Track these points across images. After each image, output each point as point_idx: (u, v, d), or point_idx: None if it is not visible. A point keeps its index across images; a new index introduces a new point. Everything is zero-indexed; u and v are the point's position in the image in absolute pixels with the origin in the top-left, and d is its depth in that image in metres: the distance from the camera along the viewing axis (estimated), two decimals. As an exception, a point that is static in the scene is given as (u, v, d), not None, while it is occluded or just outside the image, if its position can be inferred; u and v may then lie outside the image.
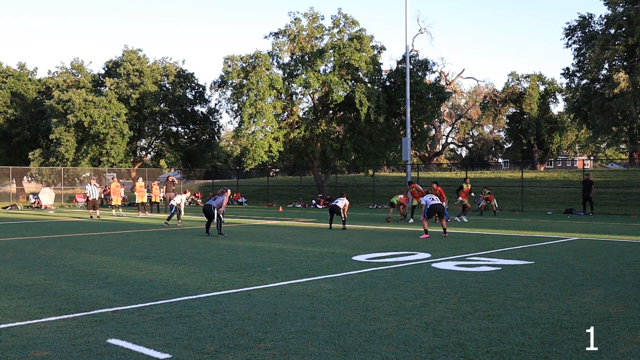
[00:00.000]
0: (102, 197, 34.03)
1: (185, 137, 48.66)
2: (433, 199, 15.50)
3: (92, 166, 41.80)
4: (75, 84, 44.09)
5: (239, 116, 36.54)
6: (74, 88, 42.58)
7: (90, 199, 25.32)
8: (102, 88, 44.42)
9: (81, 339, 5.40)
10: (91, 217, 24.87)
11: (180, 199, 20.75)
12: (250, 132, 35.42)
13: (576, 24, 40.55)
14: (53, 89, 43.99)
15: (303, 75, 35.39)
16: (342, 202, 17.87)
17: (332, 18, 36.78)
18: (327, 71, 36.46)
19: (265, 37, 46.16)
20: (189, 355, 4.91)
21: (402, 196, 21.97)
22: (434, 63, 39.91)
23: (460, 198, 22.36)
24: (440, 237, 14.78)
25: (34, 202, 36.55)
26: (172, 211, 20.74)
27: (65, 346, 5.19)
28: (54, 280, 8.64)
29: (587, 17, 40.13)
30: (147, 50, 74.35)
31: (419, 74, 37.30)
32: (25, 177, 50.09)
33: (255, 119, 35.01)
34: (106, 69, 46.58)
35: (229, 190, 16.64)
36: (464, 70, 73.79)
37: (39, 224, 21.64)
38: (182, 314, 6.39)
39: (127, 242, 14.21)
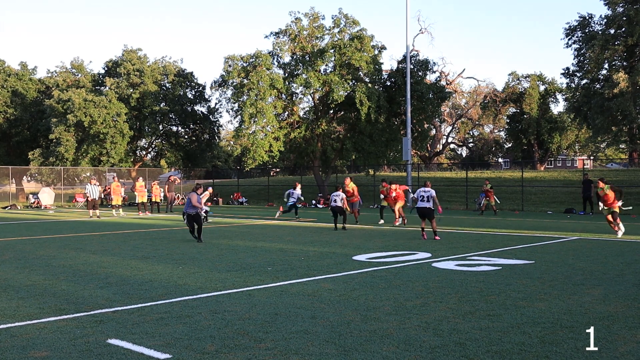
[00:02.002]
0: (102, 197, 34.02)
1: (186, 136, 48.64)
2: (422, 198, 14.52)
3: (92, 166, 41.80)
4: (75, 83, 44.09)
5: (239, 116, 36.54)
6: (74, 88, 42.57)
7: (90, 198, 25.33)
8: (102, 88, 44.41)
9: (81, 339, 5.40)
10: (91, 216, 24.87)
11: (297, 195, 22.28)
12: (250, 132, 35.42)
13: (576, 24, 40.56)
14: (53, 89, 43.98)
15: (304, 75, 35.39)
16: (339, 197, 17.60)
17: (332, 18, 36.80)
18: (328, 71, 36.47)
19: (266, 36, 46.16)
20: (189, 355, 4.91)
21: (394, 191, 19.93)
22: (434, 63, 39.90)
23: (602, 206, 15.81)
24: (441, 236, 14.72)
25: (34, 202, 36.54)
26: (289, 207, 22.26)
27: (65, 346, 5.18)
28: (54, 281, 8.63)
29: (587, 17, 40.14)
30: (147, 49, 74.31)
31: (420, 73, 37.30)
32: (25, 177, 50.08)
33: (256, 119, 35.01)
34: (106, 69, 46.58)
35: (200, 189, 15.04)
36: (464, 70, 73.86)
37: (39, 223, 21.64)
38: (183, 314, 6.39)
39: (127, 242, 14.20)
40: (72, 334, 5.58)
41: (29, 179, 51.90)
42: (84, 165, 41.15)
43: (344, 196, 17.90)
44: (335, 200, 17.75)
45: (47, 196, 36.84)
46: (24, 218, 25.40)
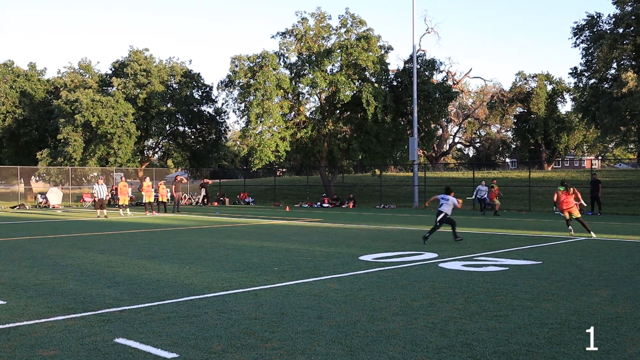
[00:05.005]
0: (110, 196, 34.23)
1: (192, 137, 48.79)
2: None
3: (99, 166, 42.00)
4: (82, 84, 44.31)
5: (246, 116, 36.61)
6: (82, 88, 42.79)
7: (97, 198, 25.49)
8: (110, 88, 44.63)
9: (89, 338, 5.43)
10: (98, 216, 25.00)
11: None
12: (257, 132, 35.47)
13: (584, 23, 40.31)
14: (61, 89, 44.24)
15: (310, 75, 35.39)
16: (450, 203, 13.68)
17: (339, 18, 36.78)
18: (334, 71, 36.45)
19: (273, 36, 46.05)
20: (196, 355, 4.92)
21: None
22: (441, 63, 39.78)
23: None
24: (447, 237, 14.66)
25: (42, 202, 36.76)
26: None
27: (72, 345, 5.21)
28: (62, 280, 8.68)
29: (595, 17, 39.89)
30: (154, 50, 74.90)
31: (426, 73, 37.21)
32: (33, 177, 50.39)
33: (262, 119, 35.06)
34: (113, 69, 46.80)
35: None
36: (471, 69, 73.88)
37: (47, 223, 21.76)
38: (189, 314, 6.41)
39: (134, 242, 14.26)
40: (79, 333, 5.61)
41: (37, 178, 52.21)
42: (92, 165, 41.35)
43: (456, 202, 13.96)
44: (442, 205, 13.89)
45: (55, 196, 37.04)
46: (32, 218, 25.55)
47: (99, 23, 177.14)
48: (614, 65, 39.03)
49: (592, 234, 14.87)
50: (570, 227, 15.34)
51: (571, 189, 15.39)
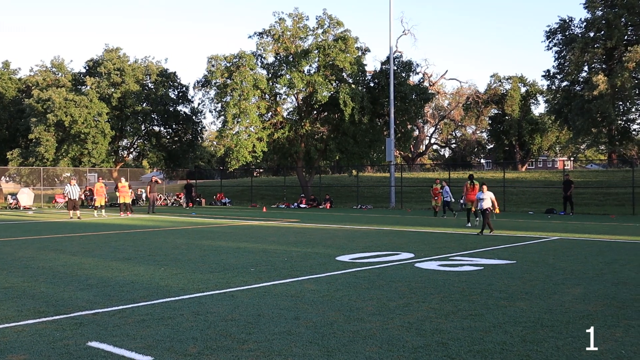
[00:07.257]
0: (82, 197, 33.66)
1: (168, 137, 48.23)
2: None
3: (72, 166, 41.27)
4: (55, 82, 43.47)
5: (222, 116, 36.38)
6: (54, 87, 41.97)
7: (69, 199, 25.07)
8: (83, 87, 43.86)
9: (60, 342, 5.32)
10: (71, 217, 24.58)
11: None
12: (234, 133, 35.28)
13: (557, 27, 41.11)
14: (33, 88, 43.34)
15: (287, 75, 35.34)
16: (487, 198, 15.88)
17: (317, 18, 36.80)
18: (312, 71, 36.46)
19: (250, 36, 45.97)
20: (171, 357, 4.86)
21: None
22: (417, 64, 40.11)
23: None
24: (424, 237, 14.80)
25: (12, 203, 35.99)
26: None
27: (44, 350, 5.10)
28: (33, 282, 8.50)
29: (568, 21, 40.71)
30: (129, 49, 73.86)
31: (403, 75, 37.47)
32: (3, 177, 49.31)
33: (239, 119, 34.88)
34: (87, 68, 46.02)
35: None
36: (447, 71, 74.58)
37: (18, 224, 21.31)
38: (164, 316, 6.33)
39: (108, 243, 14.05)
40: (51, 337, 5.50)
41: (8, 179, 51.09)
42: (64, 165, 40.60)
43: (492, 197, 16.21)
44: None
45: (26, 197, 36.31)
46: (1, 219, 24.99)
47: (73, 21, 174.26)
48: (585, 68, 39.91)
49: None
50: (470, 224, 18.24)
51: (477, 185, 18.58)
